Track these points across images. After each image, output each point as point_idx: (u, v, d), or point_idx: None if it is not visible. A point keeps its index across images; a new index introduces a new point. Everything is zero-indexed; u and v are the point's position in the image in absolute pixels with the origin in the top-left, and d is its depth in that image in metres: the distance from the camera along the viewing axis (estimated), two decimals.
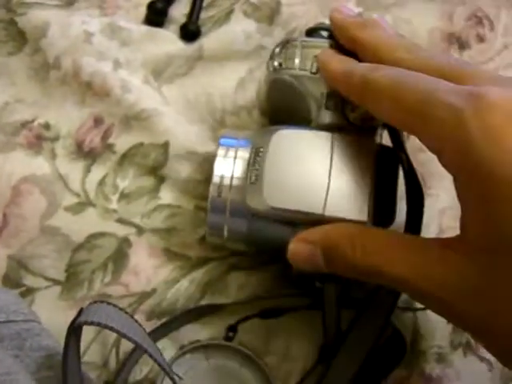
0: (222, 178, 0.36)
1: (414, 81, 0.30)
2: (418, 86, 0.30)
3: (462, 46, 0.49)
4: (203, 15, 0.49)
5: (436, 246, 0.30)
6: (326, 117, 0.36)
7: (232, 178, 0.36)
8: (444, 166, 0.30)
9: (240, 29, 0.47)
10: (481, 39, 0.49)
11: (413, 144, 0.41)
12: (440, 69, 0.31)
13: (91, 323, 0.33)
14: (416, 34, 0.48)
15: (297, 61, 0.37)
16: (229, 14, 0.48)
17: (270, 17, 0.48)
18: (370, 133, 0.36)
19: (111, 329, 0.33)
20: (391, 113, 0.31)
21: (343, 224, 0.33)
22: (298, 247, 0.34)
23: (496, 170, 0.26)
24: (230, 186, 0.36)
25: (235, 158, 0.36)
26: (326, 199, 0.33)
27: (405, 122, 0.31)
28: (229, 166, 0.36)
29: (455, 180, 0.30)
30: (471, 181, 0.28)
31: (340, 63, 0.35)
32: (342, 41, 0.37)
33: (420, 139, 0.30)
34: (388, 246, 0.31)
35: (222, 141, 0.38)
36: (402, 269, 0.30)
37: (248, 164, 0.36)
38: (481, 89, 0.28)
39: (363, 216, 0.33)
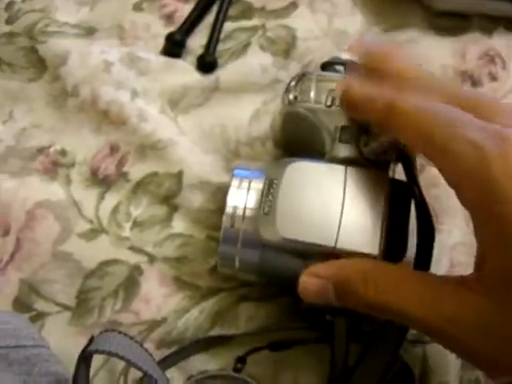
0: (235, 208, 0.36)
1: (440, 111, 0.30)
2: (443, 117, 0.30)
3: (475, 83, 0.49)
4: (220, 47, 0.50)
5: (450, 284, 0.30)
6: (340, 150, 0.36)
7: (245, 208, 0.36)
8: (461, 201, 0.30)
9: (256, 62, 0.48)
10: (493, 77, 0.49)
11: (426, 178, 0.41)
12: (466, 100, 0.31)
13: (102, 352, 0.34)
14: (430, 70, 0.49)
15: (312, 94, 0.37)
16: (246, 46, 0.49)
17: (286, 51, 0.49)
18: (384, 167, 0.36)
19: (121, 358, 0.33)
20: (414, 140, 0.31)
21: (356, 259, 0.33)
22: (309, 281, 0.33)
23: None
24: (243, 216, 0.36)
25: (249, 189, 0.37)
26: (338, 232, 0.33)
27: (427, 151, 0.31)
28: (242, 197, 0.37)
29: (472, 216, 0.30)
30: (490, 219, 0.28)
31: (362, 88, 0.35)
32: (364, 67, 0.36)
33: (440, 171, 0.31)
34: (401, 283, 0.31)
35: (236, 172, 0.38)
36: (415, 306, 0.30)
37: (261, 195, 0.36)
38: (507, 131, 0.28)
39: (375, 249, 0.33)
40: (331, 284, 0.33)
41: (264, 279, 0.39)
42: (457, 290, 0.29)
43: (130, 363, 0.34)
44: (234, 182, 0.37)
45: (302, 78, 0.38)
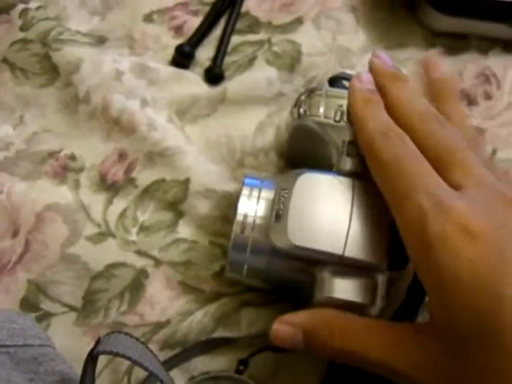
0: (245, 216, 0.38)
1: (409, 167, 0.33)
2: (409, 174, 0.33)
3: (471, 102, 0.51)
4: (227, 60, 0.51)
5: (410, 331, 0.32)
6: (347, 163, 0.37)
7: (255, 217, 0.38)
8: (407, 250, 0.33)
9: (262, 75, 0.50)
10: (488, 96, 0.51)
11: None
12: (438, 148, 0.34)
13: (110, 353, 0.34)
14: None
15: (321, 109, 0.39)
16: (252, 60, 0.51)
17: (291, 65, 0.50)
18: None
19: (129, 359, 0.34)
20: (382, 183, 0.34)
21: (325, 310, 0.35)
22: (282, 329, 0.35)
23: (447, 273, 0.30)
24: (253, 224, 0.37)
25: (259, 198, 0.38)
26: (346, 241, 0.35)
27: (389, 198, 0.34)
28: (252, 206, 0.38)
29: (415, 267, 0.33)
30: (428, 277, 0.31)
31: (364, 104, 0.37)
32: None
33: (395, 217, 0.33)
34: (365, 331, 0.33)
35: (247, 181, 0.39)
36: (378, 352, 0.32)
37: (272, 204, 0.37)
38: (451, 203, 0.31)
39: (381, 259, 0.35)
40: (301, 333, 0.35)
41: (270, 285, 0.40)
42: (416, 338, 0.32)
43: (136, 364, 0.35)
44: (245, 191, 0.38)
45: (311, 92, 0.39)
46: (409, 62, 0.51)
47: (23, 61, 0.50)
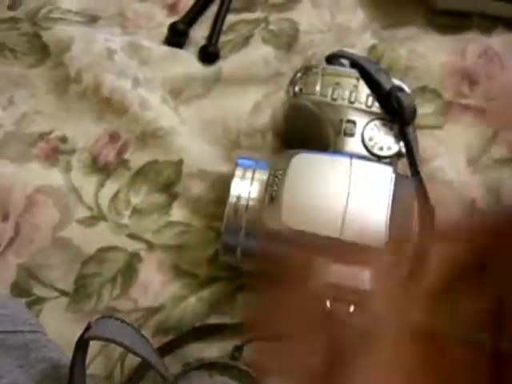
0: (238, 198, 0.37)
1: None
2: None
3: (473, 81, 0.49)
4: (223, 39, 0.50)
5: None
6: (344, 143, 0.36)
7: (249, 198, 0.37)
8: None
9: (258, 54, 0.49)
10: (490, 76, 0.50)
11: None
12: None
13: (100, 338, 0.34)
14: (429, 67, 0.49)
15: (317, 87, 0.38)
16: (248, 39, 0.50)
17: (288, 44, 0.49)
18: (387, 161, 0.36)
19: (119, 344, 0.34)
20: None
21: None
22: None
23: None
24: (247, 206, 0.36)
25: (252, 179, 0.37)
26: (342, 223, 0.34)
27: None
28: (246, 187, 0.37)
29: None
30: None
31: None
32: None
33: None
34: None
35: (240, 161, 0.38)
36: None
37: (266, 185, 0.36)
38: None
39: (379, 241, 0.34)
40: None
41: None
42: None
43: (127, 349, 0.34)
44: (238, 172, 0.37)
45: (307, 70, 0.39)
46: (408, 41, 0.50)
47: (12, 40, 0.49)
